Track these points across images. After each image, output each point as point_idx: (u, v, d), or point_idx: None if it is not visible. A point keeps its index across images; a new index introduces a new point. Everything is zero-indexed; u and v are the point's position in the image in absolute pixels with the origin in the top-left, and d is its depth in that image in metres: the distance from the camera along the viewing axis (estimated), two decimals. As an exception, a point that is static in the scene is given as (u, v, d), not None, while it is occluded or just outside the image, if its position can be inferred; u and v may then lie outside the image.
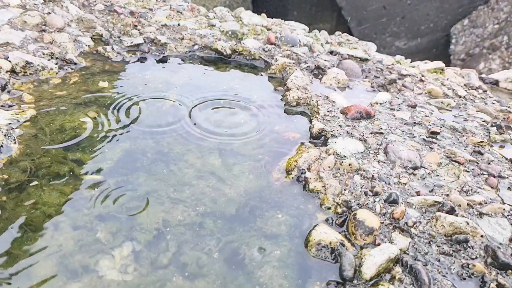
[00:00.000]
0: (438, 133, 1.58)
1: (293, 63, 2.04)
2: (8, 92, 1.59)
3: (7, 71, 1.65)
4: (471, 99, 1.92)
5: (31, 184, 1.24)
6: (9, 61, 1.67)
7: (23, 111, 1.50)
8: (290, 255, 1.11)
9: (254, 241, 1.15)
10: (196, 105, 1.72)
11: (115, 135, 1.50)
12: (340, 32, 2.58)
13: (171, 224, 1.18)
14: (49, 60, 1.81)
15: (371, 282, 0.99)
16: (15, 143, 1.35)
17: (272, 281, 1.04)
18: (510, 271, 1.04)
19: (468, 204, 1.23)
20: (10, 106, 1.51)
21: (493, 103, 1.90)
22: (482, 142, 1.56)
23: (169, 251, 1.11)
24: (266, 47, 2.19)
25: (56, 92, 1.68)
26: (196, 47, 2.15)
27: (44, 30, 1.96)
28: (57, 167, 1.32)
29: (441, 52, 6.96)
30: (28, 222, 1.13)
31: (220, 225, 1.19)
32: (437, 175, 1.37)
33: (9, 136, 1.36)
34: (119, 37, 2.13)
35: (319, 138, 1.54)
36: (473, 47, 6.46)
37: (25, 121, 1.47)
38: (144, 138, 1.50)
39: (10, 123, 1.42)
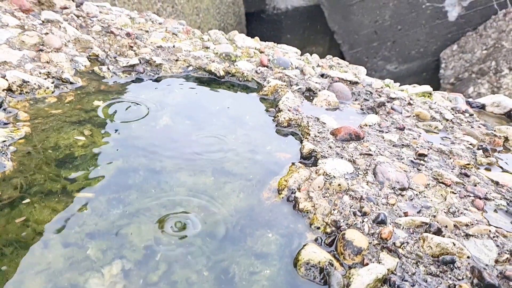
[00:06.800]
0: (426, 155, 1.62)
1: (285, 85, 2.09)
2: (4, 110, 1.61)
3: (3, 90, 1.68)
4: (458, 123, 1.97)
5: (23, 201, 1.24)
6: (6, 80, 1.70)
7: (18, 129, 1.52)
8: (280, 274, 1.12)
9: (244, 260, 1.16)
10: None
11: (108, 153, 1.52)
12: (331, 56, 2.65)
13: (162, 242, 1.18)
14: (45, 79, 1.84)
15: (359, 302, 1.00)
16: (9, 160, 1.36)
17: (261, 300, 1.05)
18: (495, 291, 1.05)
19: (454, 225, 1.25)
20: (5, 123, 1.53)
21: (479, 127, 1.95)
22: (468, 164, 1.60)
23: (158, 269, 1.11)
24: (259, 69, 2.24)
25: (52, 110, 1.70)
26: (190, 68, 2.20)
27: (41, 50, 1.99)
28: (49, 184, 1.32)
29: (431, 76, 7.13)
30: (19, 239, 1.13)
31: (210, 244, 1.20)
32: (425, 196, 1.39)
33: (3, 153, 1.37)
34: (115, 57, 2.17)
35: (309, 159, 1.57)
36: (462, 72, 6.62)
37: (19, 139, 1.48)
38: (136, 156, 1.52)
39: (4, 141, 1.43)
